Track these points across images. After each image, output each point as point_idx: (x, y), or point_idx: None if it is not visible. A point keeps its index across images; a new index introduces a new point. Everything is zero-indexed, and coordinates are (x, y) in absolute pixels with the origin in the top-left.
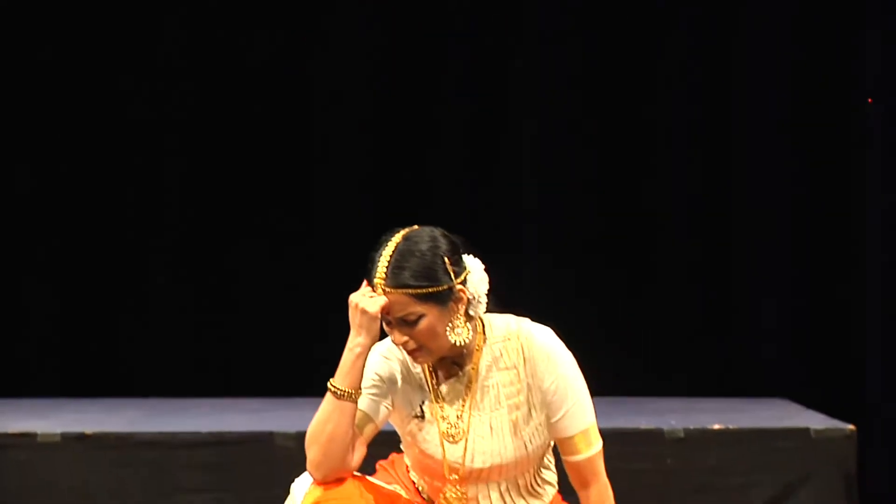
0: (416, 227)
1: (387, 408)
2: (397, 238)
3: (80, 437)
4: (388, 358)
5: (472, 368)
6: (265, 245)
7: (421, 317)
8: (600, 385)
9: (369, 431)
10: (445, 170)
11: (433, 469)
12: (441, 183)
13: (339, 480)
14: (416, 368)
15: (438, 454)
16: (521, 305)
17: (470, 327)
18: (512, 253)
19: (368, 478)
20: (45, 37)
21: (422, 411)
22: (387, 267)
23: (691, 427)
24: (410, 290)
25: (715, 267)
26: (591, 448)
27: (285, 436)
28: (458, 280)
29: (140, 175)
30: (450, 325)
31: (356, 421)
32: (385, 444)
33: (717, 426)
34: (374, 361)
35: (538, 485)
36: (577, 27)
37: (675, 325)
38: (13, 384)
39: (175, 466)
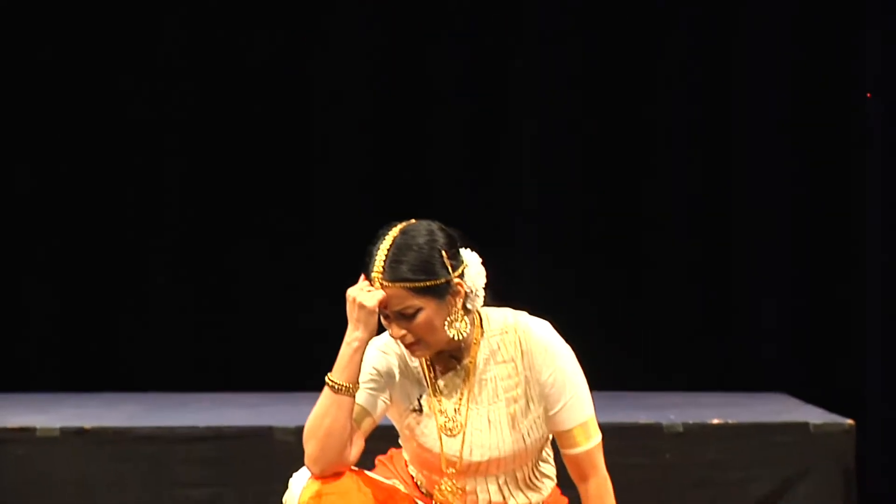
0: (413, 220)
1: (385, 402)
2: (394, 232)
3: (80, 432)
4: (385, 352)
5: (470, 362)
6: (265, 245)
7: (419, 310)
8: (600, 383)
9: (367, 425)
10: (445, 170)
11: (431, 463)
12: (441, 183)
13: (337, 475)
14: (414, 362)
15: (437, 448)
16: (521, 305)
17: (467, 321)
18: (512, 253)
19: (367, 472)
20: (45, 37)
21: (420, 405)
22: (384, 261)
23: (690, 422)
24: (408, 284)
25: (715, 267)
26: (589, 441)
27: (285, 430)
28: (456, 273)
29: (140, 175)
30: (447, 318)
31: (354, 415)
32: (384, 438)
33: (716, 421)
34: (371, 356)
35: (537, 478)
36: (577, 27)
37: (675, 325)
38: (12, 379)
39: (174, 461)
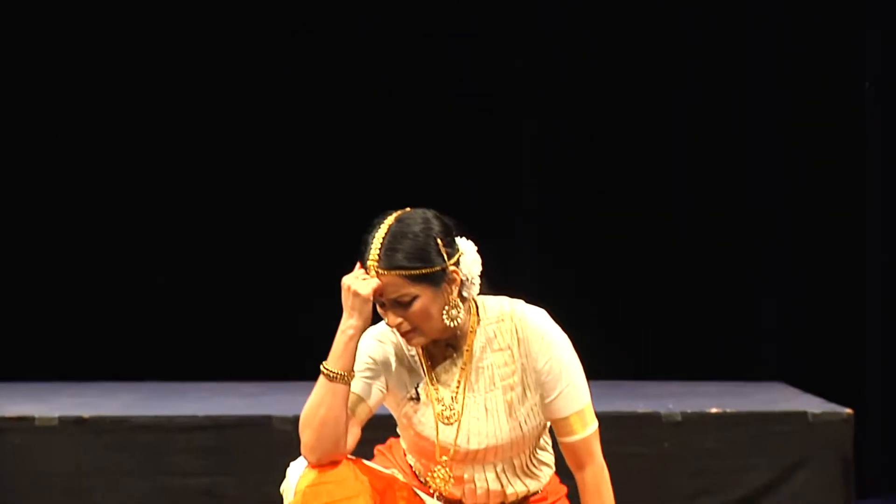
0: (408, 209)
1: (381, 390)
2: (390, 220)
3: (78, 421)
4: (381, 341)
5: (467, 350)
6: (265, 245)
7: (414, 298)
8: (598, 373)
9: (363, 414)
10: (445, 170)
11: (429, 451)
12: (441, 183)
13: (334, 463)
14: (411, 351)
15: (434, 436)
16: (518, 297)
17: (463, 308)
18: (512, 253)
19: (364, 461)
20: (45, 37)
21: (417, 393)
22: (380, 249)
23: (689, 411)
24: (404, 272)
25: (715, 267)
26: (586, 429)
27: (283, 419)
28: (452, 261)
29: (140, 175)
30: (443, 306)
31: (350, 404)
32: (383, 428)
33: (714, 410)
34: (367, 345)
35: (535, 466)
36: (577, 27)
37: (674, 325)
38: (11, 370)
39: (172, 450)
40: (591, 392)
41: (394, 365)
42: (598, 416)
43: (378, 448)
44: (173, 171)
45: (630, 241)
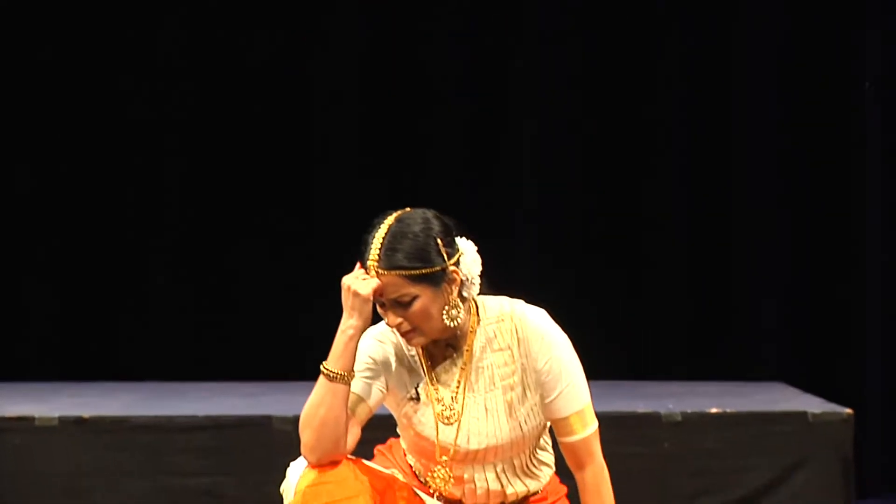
0: (408, 209)
1: (381, 390)
2: (390, 220)
3: (78, 421)
4: (381, 341)
5: (467, 350)
6: (265, 245)
7: (414, 298)
8: (598, 374)
9: (363, 414)
10: (445, 170)
11: (429, 451)
12: (441, 183)
13: (334, 463)
14: (411, 351)
15: (434, 436)
16: (518, 297)
17: (463, 308)
18: (512, 253)
19: (364, 461)
20: (45, 37)
21: (417, 394)
22: (380, 249)
23: (689, 411)
24: (404, 272)
25: (715, 267)
26: (586, 429)
27: (283, 419)
28: (452, 261)
29: (140, 175)
30: (443, 306)
31: (350, 404)
32: (383, 428)
33: (714, 410)
34: (367, 345)
35: (535, 466)
36: (577, 27)
37: (674, 326)
38: (11, 370)
39: (172, 450)
40: (591, 392)
41: (394, 365)
42: (598, 416)
43: (378, 448)
44: (173, 171)
45: (630, 241)
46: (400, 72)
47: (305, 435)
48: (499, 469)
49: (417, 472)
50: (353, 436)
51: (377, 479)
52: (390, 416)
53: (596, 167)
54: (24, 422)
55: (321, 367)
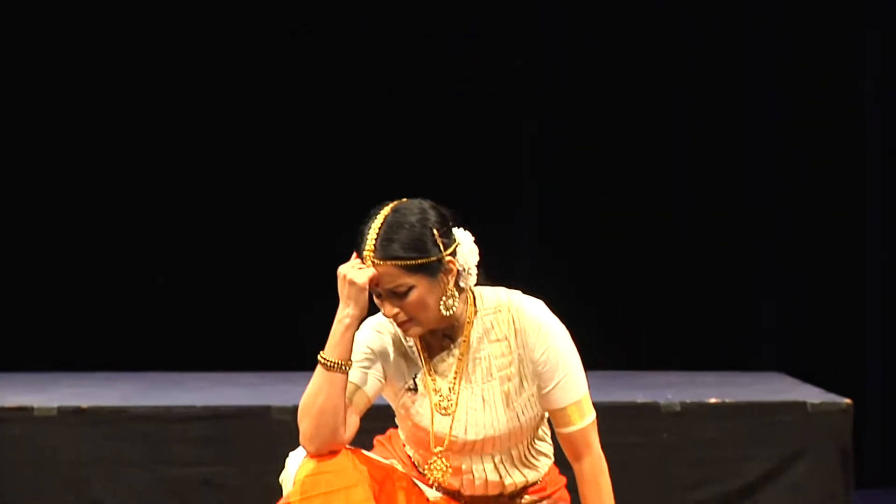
0: (404, 199)
1: (379, 380)
2: (386, 210)
3: (77, 411)
4: (380, 332)
5: (464, 341)
6: (265, 245)
7: (411, 288)
8: (597, 364)
9: (362, 404)
10: (445, 170)
11: (426, 442)
12: (441, 183)
13: (333, 453)
14: (409, 342)
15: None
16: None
17: (460, 299)
18: (512, 253)
19: (363, 451)
20: (45, 37)
21: (415, 384)
22: (376, 239)
23: (688, 401)
24: (400, 262)
25: (715, 267)
26: (584, 419)
27: (282, 409)
28: (448, 251)
29: (140, 175)
30: (440, 296)
31: (348, 393)
32: (382, 418)
33: (713, 400)
34: (365, 335)
35: (533, 456)
36: (577, 27)
37: (674, 326)
38: (10, 361)
39: (171, 440)
40: (589, 383)
41: (392, 355)
42: (597, 406)
43: (377, 438)
44: (173, 172)
45: (630, 240)
46: (400, 72)
47: (304, 424)
48: (497, 460)
49: (416, 463)
50: (352, 425)
51: (376, 468)
52: (389, 407)
53: (596, 167)
54: (23, 412)
55: (318, 356)
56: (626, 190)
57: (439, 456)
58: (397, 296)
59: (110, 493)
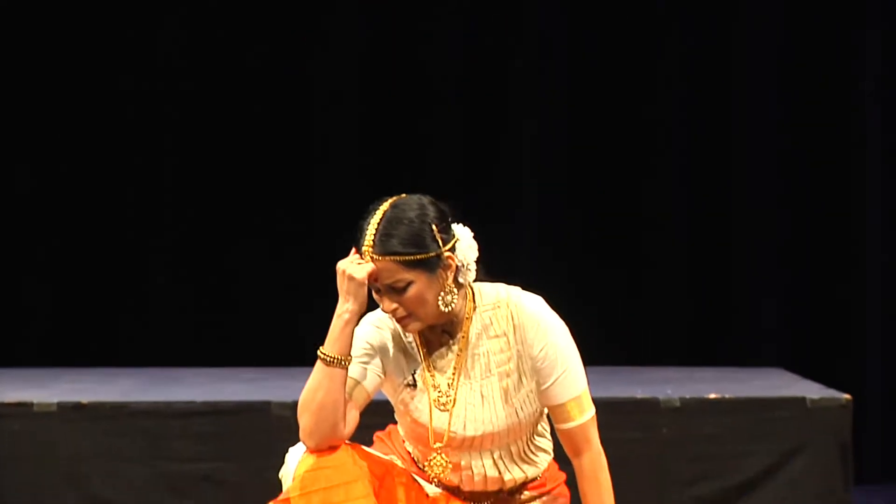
0: (403, 195)
1: (378, 375)
2: (385, 206)
3: (77, 407)
4: (379, 328)
5: (463, 336)
6: (265, 245)
7: (409, 284)
8: (596, 359)
9: (361, 399)
10: (445, 169)
11: (425, 438)
12: (441, 183)
13: (333, 448)
14: (408, 337)
15: (429, 422)
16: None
17: (459, 295)
18: (511, 252)
19: (363, 447)
20: (44, 36)
21: (414, 380)
22: (374, 234)
23: (687, 396)
24: (398, 257)
25: (714, 268)
26: (583, 415)
27: (282, 405)
28: (447, 247)
29: (140, 175)
30: (439, 292)
31: (348, 388)
32: (382, 414)
33: (712, 395)
34: (365, 331)
35: (532, 452)
36: (577, 27)
37: (674, 326)
38: (10, 357)
39: (171, 436)
40: (588, 378)
41: (391, 351)
42: (596, 402)
43: (377, 434)
44: (173, 171)
45: (630, 239)
46: (400, 71)
47: (303, 420)
48: (496, 456)
49: (416, 459)
50: (352, 420)
51: (376, 464)
52: (388, 402)
53: (596, 167)
54: (23, 408)
55: (318, 351)
56: (627, 189)
57: (439, 452)
58: (396, 291)
59: (110, 488)
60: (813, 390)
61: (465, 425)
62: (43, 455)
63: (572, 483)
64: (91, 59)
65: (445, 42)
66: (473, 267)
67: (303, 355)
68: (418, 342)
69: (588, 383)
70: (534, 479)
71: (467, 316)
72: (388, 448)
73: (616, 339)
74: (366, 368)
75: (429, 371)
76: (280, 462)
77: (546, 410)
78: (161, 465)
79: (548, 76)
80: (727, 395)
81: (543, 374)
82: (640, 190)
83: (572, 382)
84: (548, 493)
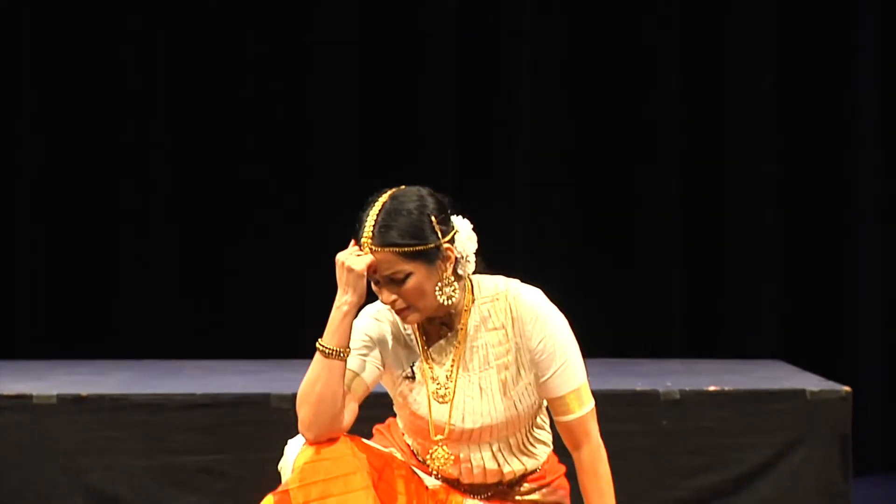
0: (402, 186)
1: (377, 367)
2: (384, 197)
3: (76, 399)
4: (378, 320)
5: (461, 328)
6: (265, 245)
7: (408, 275)
8: (595, 352)
9: (360, 391)
10: (445, 169)
11: (424, 430)
12: (440, 182)
13: (332, 440)
14: (407, 329)
15: (428, 415)
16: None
17: (458, 286)
18: (511, 252)
19: (362, 439)
20: (44, 36)
21: (412, 372)
22: (374, 226)
23: (687, 389)
24: (397, 249)
25: (714, 268)
26: (583, 407)
27: (281, 397)
28: (446, 239)
29: (137, 167)
30: (438, 284)
31: (346, 380)
32: (381, 407)
33: (712, 388)
34: (364, 323)
35: (531, 444)
36: (577, 27)
37: (673, 327)
38: (8, 349)
39: (170, 428)
40: (588, 370)
41: (390, 342)
42: (596, 394)
43: (377, 427)
44: (170, 163)
45: (630, 233)
46: (399, 71)
47: (302, 412)
48: (495, 448)
49: (416, 452)
50: (351, 412)
51: (375, 456)
52: (387, 395)
53: (595, 167)
54: (22, 399)
55: (317, 343)
56: (626, 181)
57: (440, 444)
58: (395, 283)
59: (109, 480)
60: (812, 382)
61: (463, 418)
62: (42, 447)
63: (572, 475)
64: (90, 58)
65: (445, 41)
66: (472, 259)
67: (302, 348)
68: (417, 334)
69: (587, 376)
70: (533, 472)
71: (466, 308)
72: (387, 441)
73: (616, 331)
74: (365, 360)
75: (427, 363)
76: (279, 454)
77: (545, 403)
78: (160, 458)
79: (548, 76)
80: (727, 388)
81: (542, 367)
82: (640, 182)
83: (571, 375)
84: (547, 485)
